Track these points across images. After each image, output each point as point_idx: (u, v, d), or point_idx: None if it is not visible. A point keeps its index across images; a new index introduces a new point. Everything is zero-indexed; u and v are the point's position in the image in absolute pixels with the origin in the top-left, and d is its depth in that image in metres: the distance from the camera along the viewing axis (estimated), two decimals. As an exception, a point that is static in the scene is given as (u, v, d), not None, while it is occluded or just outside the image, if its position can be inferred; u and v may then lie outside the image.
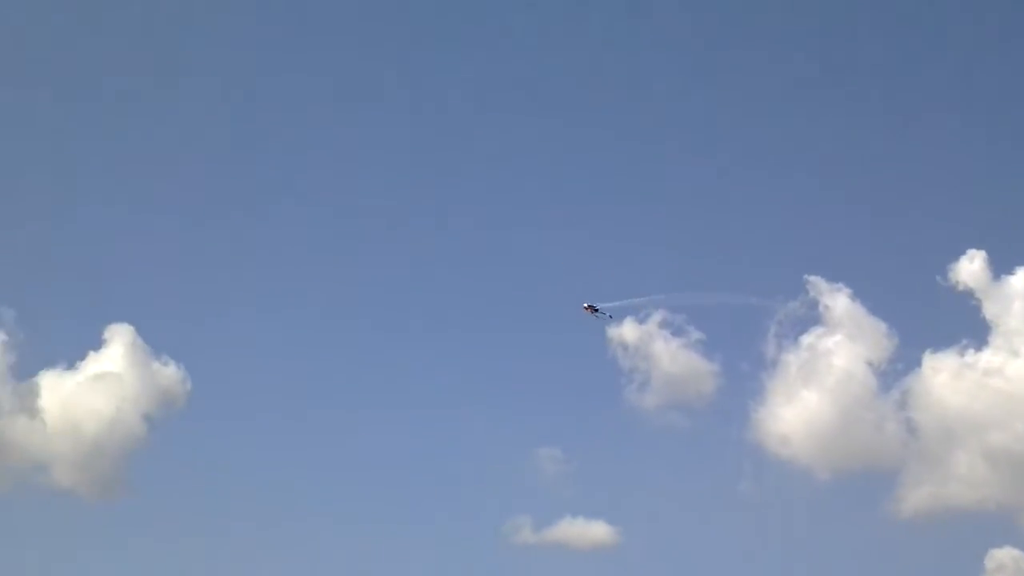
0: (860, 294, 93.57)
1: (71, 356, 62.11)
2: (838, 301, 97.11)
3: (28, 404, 48.66)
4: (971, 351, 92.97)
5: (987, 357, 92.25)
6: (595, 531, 56.53)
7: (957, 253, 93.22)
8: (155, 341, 58.72)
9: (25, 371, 60.50)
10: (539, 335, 64.54)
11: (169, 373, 50.31)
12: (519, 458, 65.96)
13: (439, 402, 66.25)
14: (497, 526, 62.01)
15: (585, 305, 45.41)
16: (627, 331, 62.48)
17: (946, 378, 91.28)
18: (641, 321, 60.32)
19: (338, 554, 57.75)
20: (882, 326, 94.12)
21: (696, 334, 70.65)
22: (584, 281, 69.09)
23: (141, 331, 49.14)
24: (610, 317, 45.68)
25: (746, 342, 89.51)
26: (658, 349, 63.18)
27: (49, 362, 62.04)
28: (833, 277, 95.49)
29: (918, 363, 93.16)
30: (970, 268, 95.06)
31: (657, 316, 60.36)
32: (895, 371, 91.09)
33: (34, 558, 54.93)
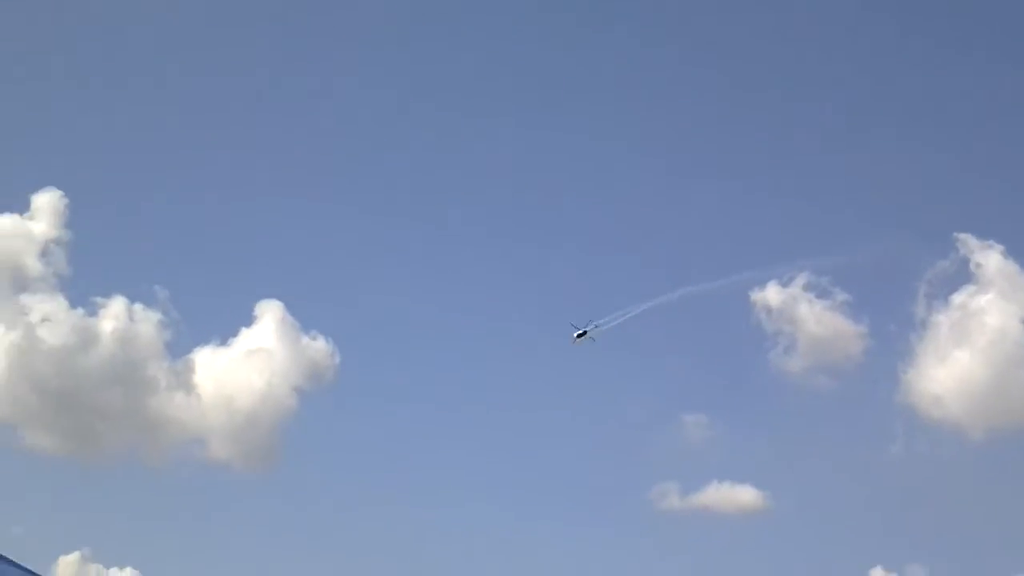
0: (1013, 251, 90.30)
1: (224, 333, 63.88)
2: (990, 259, 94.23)
3: (184, 380, 50.30)
4: None
5: None
6: (743, 496, 56.07)
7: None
8: (304, 317, 59.80)
9: (180, 349, 62.40)
10: (683, 302, 63.59)
11: (318, 347, 51.28)
12: (665, 425, 65.71)
13: (586, 372, 65.97)
14: (644, 493, 61.81)
15: (576, 334, 43.86)
16: (771, 295, 61.25)
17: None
18: (785, 284, 59.05)
19: (480, 524, 58.16)
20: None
21: (842, 296, 68.94)
22: (730, 242, 67.81)
23: (290, 307, 50.06)
24: (592, 340, 44.11)
25: (894, 303, 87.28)
26: (803, 312, 61.82)
27: (203, 339, 63.89)
28: (984, 234, 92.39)
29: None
30: None
31: (801, 279, 58.91)
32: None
33: (193, 527, 56.66)
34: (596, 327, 45.28)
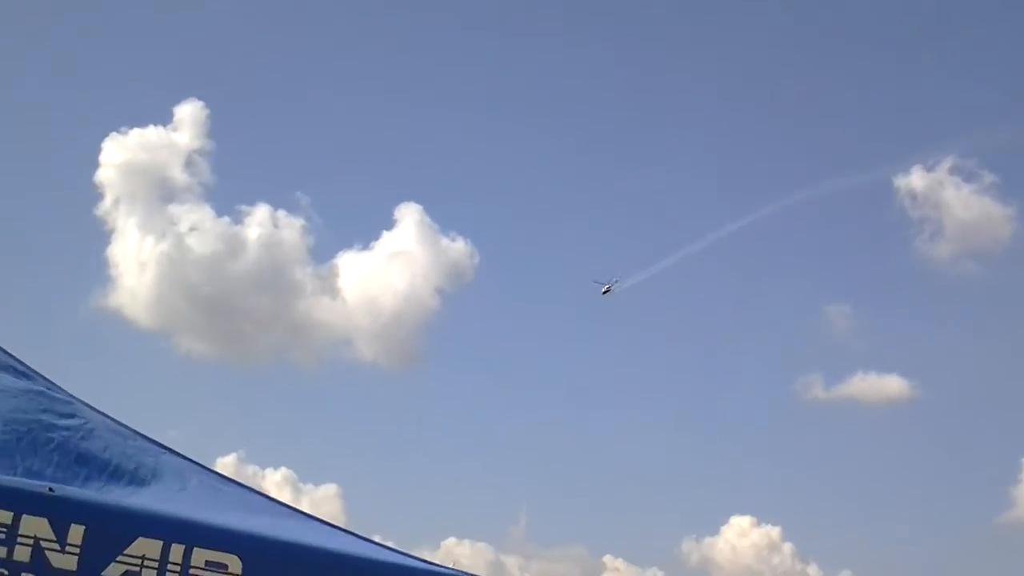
0: None
1: (365, 237, 64.70)
2: None
3: (329, 285, 51.09)
4: None
5: None
6: (889, 386, 54.66)
7: None
8: (442, 218, 60.24)
9: (324, 254, 63.42)
10: (820, 189, 62.44)
11: (458, 248, 51.63)
12: (808, 316, 64.77)
13: (725, 266, 65.05)
14: (787, 385, 61.41)
15: (604, 289, 43.39)
16: (915, 180, 58.86)
17: None
18: (929, 169, 56.74)
19: (620, 422, 58.30)
20: None
21: (990, 178, 65.73)
22: (871, 127, 65.93)
23: (428, 209, 50.54)
24: (609, 287, 43.44)
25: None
26: (949, 196, 59.02)
27: (345, 243, 64.64)
28: None
29: None
30: None
31: (947, 162, 56.59)
32: None
33: (343, 425, 58.10)
34: (617, 282, 44.95)
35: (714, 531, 52.24)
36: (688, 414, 61.77)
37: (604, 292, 45.25)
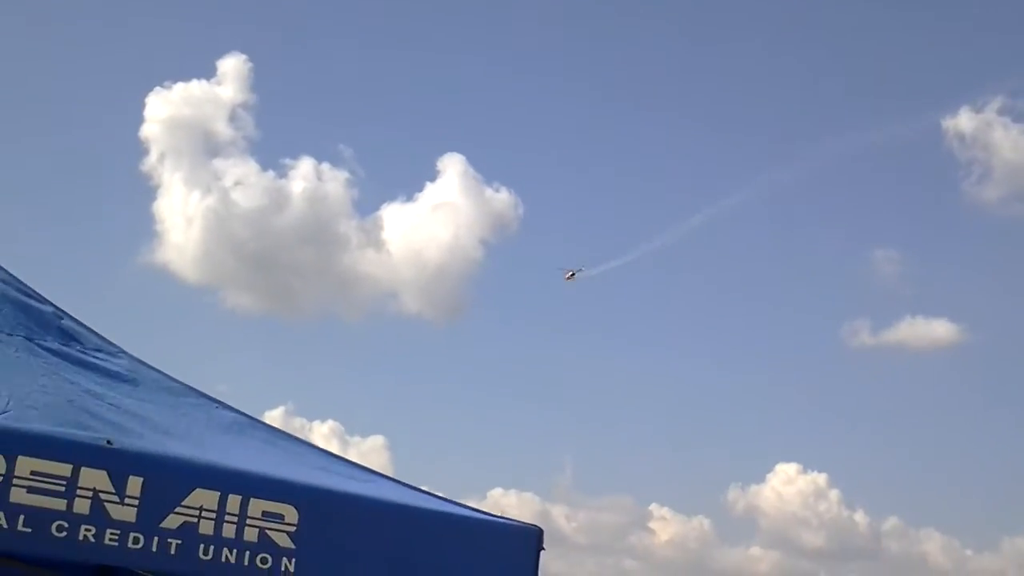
0: None
1: (409, 189, 64.93)
2: None
3: (374, 237, 51.22)
4: None
5: None
6: (938, 330, 53.92)
7: None
8: (486, 169, 60.24)
9: (368, 206, 63.49)
10: (867, 133, 61.67)
11: (502, 199, 51.42)
12: (855, 261, 64.26)
13: (770, 211, 64.64)
14: (834, 331, 61.07)
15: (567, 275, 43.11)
16: (962, 121, 57.53)
17: None
18: (977, 110, 55.43)
19: (666, 369, 58.46)
20: None
21: None
22: (917, 68, 64.82)
23: (472, 160, 50.36)
24: (574, 273, 43.18)
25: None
26: (998, 137, 57.59)
27: (389, 196, 64.72)
28: None
29: None
30: None
31: (995, 103, 55.29)
32: None
33: (389, 378, 58.67)
34: (582, 270, 44.84)
35: (760, 479, 52.30)
36: (733, 361, 61.64)
37: (568, 278, 45.05)
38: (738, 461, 56.36)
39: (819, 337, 62.44)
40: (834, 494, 47.97)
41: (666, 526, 48.38)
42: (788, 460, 48.46)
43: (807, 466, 47.77)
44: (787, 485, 47.97)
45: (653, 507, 48.96)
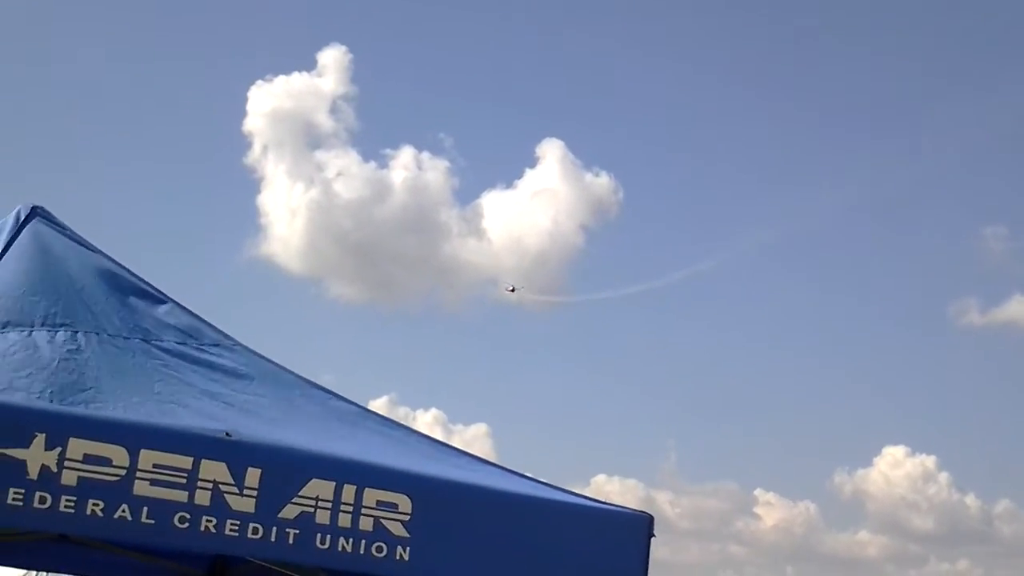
0: None
1: (509, 176, 65.12)
2: None
3: (474, 225, 51.51)
4: None
5: None
6: None
7: None
8: (585, 154, 59.97)
9: (468, 195, 63.93)
10: (974, 107, 59.99)
11: (601, 183, 51.19)
12: (962, 239, 62.79)
13: (872, 189, 63.39)
14: (942, 310, 59.80)
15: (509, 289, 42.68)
16: None
17: None
18: None
19: (773, 352, 57.88)
20: None
21: None
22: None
23: (571, 145, 50.21)
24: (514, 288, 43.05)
25: None
26: None
27: (489, 183, 64.92)
28: None
29: None
30: None
31: None
32: None
33: (491, 366, 59.09)
34: (523, 288, 44.91)
35: (867, 462, 51.59)
36: (838, 342, 60.70)
37: (508, 291, 45.00)
38: (844, 444, 55.64)
39: (926, 317, 61.22)
40: (943, 477, 47.20)
41: (772, 511, 48.02)
42: (896, 443, 47.81)
43: (915, 448, 47.07)
44: (895, 468, 47.31)
45: (758, 492, 48.60)
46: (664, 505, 47.10)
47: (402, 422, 5.13)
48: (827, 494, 51.06)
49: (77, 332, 4.68)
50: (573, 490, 4.81)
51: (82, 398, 4.26)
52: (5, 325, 4.59)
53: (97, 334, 4.72)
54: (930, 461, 46.91)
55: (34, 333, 4.60)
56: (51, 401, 4.17)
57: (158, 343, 4.81)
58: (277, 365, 4.95)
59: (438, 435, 5.64)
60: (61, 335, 4.62)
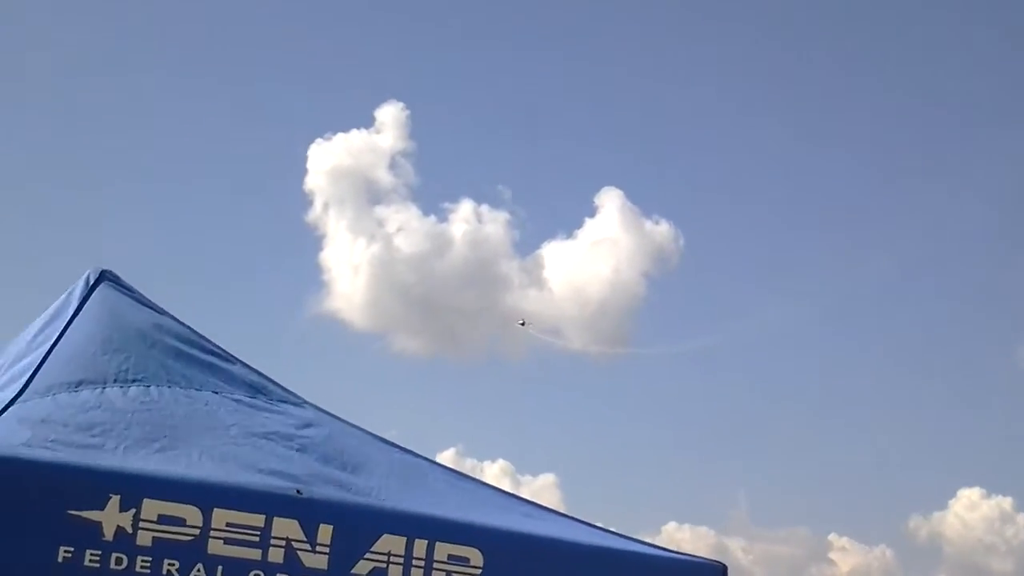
0: None
1: (568, 226, 65.00)
2: None
3: (535, 276, 51.50)
4: None
5: None
6: None
7: None
8: (644, 202, 59.88)
9: (528, 246, 64.03)
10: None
11: (662, 231, 50.76)
12: None
13: (935, 228, 62.86)
14: (1010, 351, 58.83)
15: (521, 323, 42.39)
16: None
17: None
18: None
19: (834, 396, 57.57)
20: None
21: None
22: None
23: (629, 194, 49.98)
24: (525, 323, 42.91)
25: None
26: None
27: (549, 234, 65.12)
28: None
29: None
30: None
31: None
32: None
33: (556, 415, 59.24)
34: (531, 324, 45.08)
35: (942, 505, 50.65)
36: (905, 384, 59.96)
37: (521, 325, 45.10)
38: (917, 487, 54.56)
39: (995, 355, 60.35)
40: (1022, 518, 46.28)
41: (847, 556, 47.14)
42: (970, 485, 46.91)
43: (991, 490, 46.18)
44: (971, 511, 46.32)
45: (832, 537, 47.83)
46: (737, 552, 46.35)
47: (470, 474, 5.12)
48: (903, 538, 50.12)
49: (150, 386, 4.74)
50: (644, 539, 4.78)
51: (156, 447, 4.31)
52: (79, 384, 4.67)
53: (169, 387, 4.79)
54: (1007, 502, 45.94)
55: (107, 389, 4.67)
56: (125, 454, 4.22)
57: (229, 395, 4.87)
58: (344, 421, 4.97)
59: (506, 486, 5.63)
60: (134, 390, 4.69)
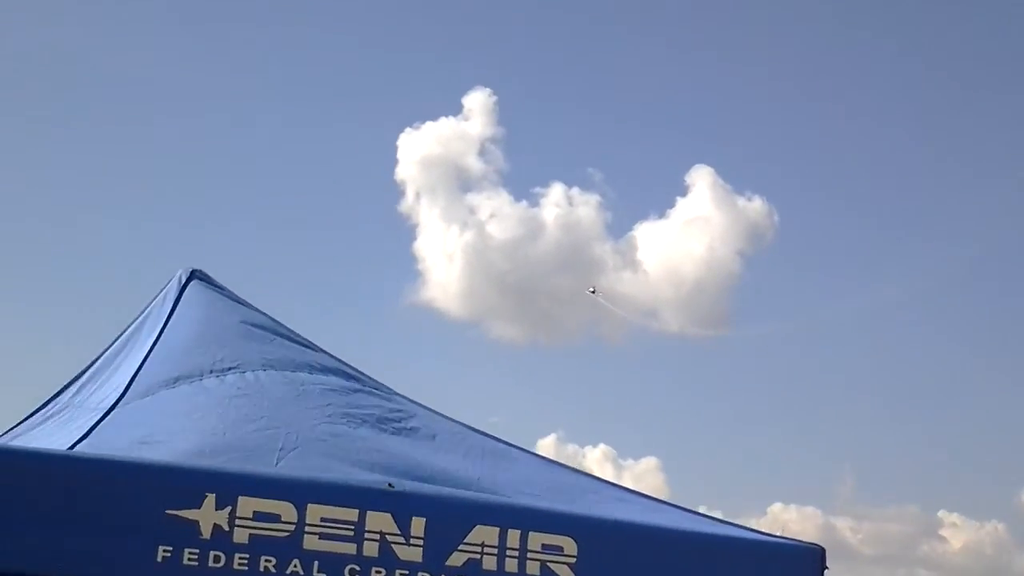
0: None
1: (660, 206, 64.51)
2: None
3: (629, 258, 51.25)
4: None
5: None
6: None
7: None
8: (736, 179, 59.26)
9: (621, 228, 63.92)
10: None
11: (755, 208, 50.07)
12: None
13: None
14: None
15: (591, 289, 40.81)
16: None
17: None
18: None
19: (936, 370, 56.52)
20: None
21: None
22: None
23: (720, 171, 49.38)
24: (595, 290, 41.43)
25: None
26: None
27: (641, 215, 64.76)
28: None
29: None
30: None
31: None
32: None
33: (658, 399, 59.20)
34: (598, 293, 44.14)
35: (1053, 478, 49.46)
36: (1016, 357, 58.63)
37: (591, 292, 44.26)
38: (1026, 460, 53.47)
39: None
40: None
41: (958, 533, 46.31)
42: (1083, 455, 45.80)
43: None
44: (1086, 483, 45.34)
45: (942, 514, 47.04)
46: (845, 532, 45.78)
47: (570, 460, 5.15)
48: (1015, 513, 49.05)
49: (245, 372, 4.88)
50: (747, 521, 4.74)
51: (252, 428, 4.44)
52: (176, 380, 4.80)
53: (264, 371, 4.93)
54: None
55: (204, 380, 4.81)
56: (224, 436, 4.36)
57: (322, 377, 5.00)
58: (433, 411, 5.00)
59: (608, 471, 5.64)
60: (231, 377, 4.84)
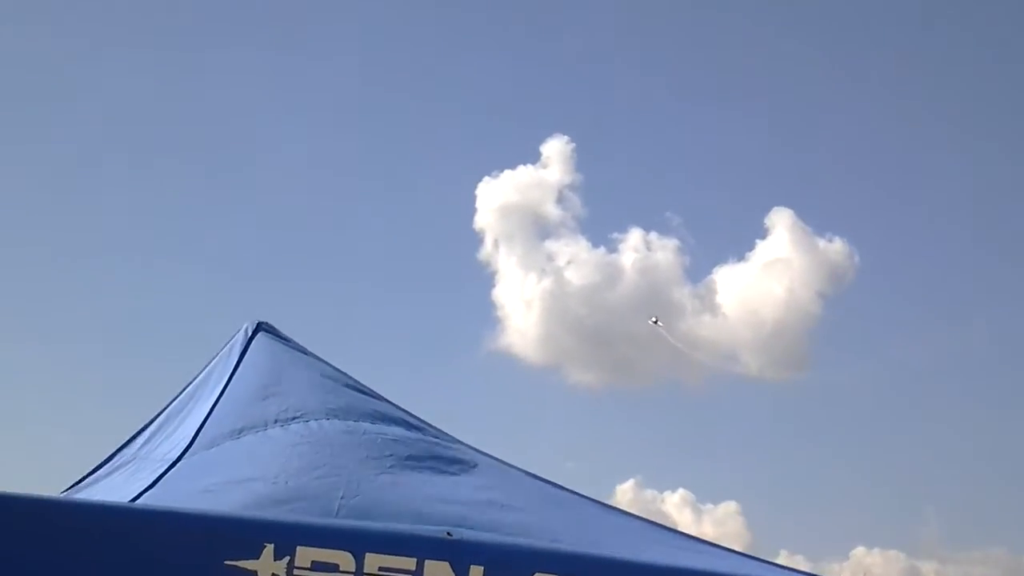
0: None
1: (739, 249, 63.91)
2: None
3: (708, 302, 50.93)
4: None
5: None
6: None
7: None
8: (815, 221, 58.67)
9: (700, 271, 63.43)
10: None
11: (835, 249, 49.55)
12: None
13: None
14: None
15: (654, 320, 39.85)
16: None
17: None
18: None
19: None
20: None
21: None
22: None
23: (800, 213, 48.92)
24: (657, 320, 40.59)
25: None
26: None
27: (720, 258, 64.16)
28: None
29: None
30: None
31: None
32: None
33: (737, 443, 58.66)
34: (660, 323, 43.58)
35: None
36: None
37: (654, 322, 43.67)
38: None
39: None
40: None
41: (1050, 580, 45.16)
42: None
43: None
44: None
45: (1031, 558, 45.88)
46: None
47: (648, 505, 5.13)
48: (1105, 557, 47.69)
49: (308, 421, 4.92)
50: (829, 566, 4.76)
51: (316, 475, 4.48)
52: (241, 431, 4.85)
53: (328, 419, 4.96)
54: None
55: (268, 430, 4.86)
56: (287, 484, 4.39)
57: (385, 427, 5.02)
58: (495, 459, 5.00)
59: (687, 516, 5.56)
60: (295, 426, 4.87)
